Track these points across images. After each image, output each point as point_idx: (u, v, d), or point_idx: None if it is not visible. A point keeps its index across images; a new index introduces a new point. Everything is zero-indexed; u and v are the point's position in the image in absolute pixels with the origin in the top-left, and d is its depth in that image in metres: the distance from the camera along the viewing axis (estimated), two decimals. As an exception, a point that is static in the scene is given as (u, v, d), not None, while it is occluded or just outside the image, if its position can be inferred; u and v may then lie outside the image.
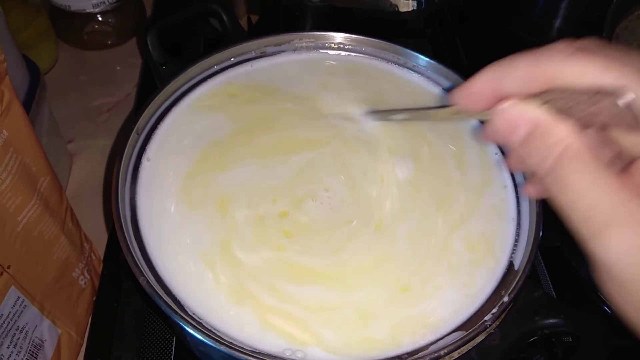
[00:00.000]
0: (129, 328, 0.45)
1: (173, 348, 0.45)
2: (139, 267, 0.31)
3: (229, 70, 0.45)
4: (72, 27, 0.69)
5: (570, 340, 0.47)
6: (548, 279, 0.52)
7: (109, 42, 0.71)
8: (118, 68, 0.70)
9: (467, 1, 0.70)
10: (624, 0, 0.47)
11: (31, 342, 0.40)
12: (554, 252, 0.49)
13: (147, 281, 0.30)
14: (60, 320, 0.43)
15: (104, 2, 0.67)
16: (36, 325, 0.40)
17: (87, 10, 0.67)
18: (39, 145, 0.39)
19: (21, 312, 0.38)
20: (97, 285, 0.48)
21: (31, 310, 0.39)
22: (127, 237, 0.32)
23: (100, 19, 0.69)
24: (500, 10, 0.65)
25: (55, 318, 0.42)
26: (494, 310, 0.32)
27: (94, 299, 0.47)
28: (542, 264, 0.52)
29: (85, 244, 0.47)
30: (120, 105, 0.66)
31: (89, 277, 0.47)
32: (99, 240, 0.51)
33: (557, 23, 0.60)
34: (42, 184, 0.39)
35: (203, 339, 0.29)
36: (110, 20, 0.69)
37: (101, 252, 0.51)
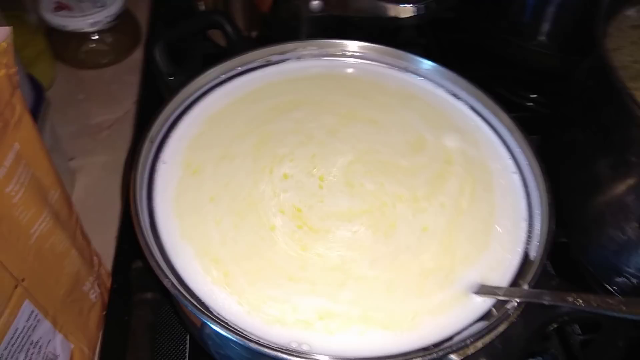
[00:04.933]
0: (141, 341, 0.44)
1: (187, 358, 0.44)
2: (161, 269, 0.31)
3: (235, 79, 0.46)
4: (69, 47, 0.69)
5: (581, 335, 0.47)
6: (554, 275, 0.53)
7: (106, 61, 0.71)
8: (115, 86, 0.70)
9: (458, 10, 0.72)
10: (613, 1, 0.48)
11: (45, 357, 0.39)
12: (560, 248, 0.50)
13: (172, 283, 0.30)
14: (73, 334, 0.42)
15: (101, 22, 0.67)
16: (49, 340, 0.40)
17: (84, 30, 0.67)
18: (49, 158, 0.39)
19: (35, 326, 0.37)
20: (107, 299, 0.47)
21: (44, 325, 0.39)
22: (147, 241, 0.32)
23: (96, 38, 0.69)
24: (490, 17, 0.66)
25: (67, 332, 0.42)
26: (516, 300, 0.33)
27: (104, 313, 0.47)
28: (548, 261, 0.53)
29: (94, 258, 0.46)
30: (119, 123, 0.66)
31: (99, 291, 0.46)
32: (105, 255, 0.50)
33: (547, 27, 0.62)
34: (53, 197, 0.39)
35: (231, 337, 0.29)
36: (106, 39, 0.70)
37: (108, 268, 0.50)
